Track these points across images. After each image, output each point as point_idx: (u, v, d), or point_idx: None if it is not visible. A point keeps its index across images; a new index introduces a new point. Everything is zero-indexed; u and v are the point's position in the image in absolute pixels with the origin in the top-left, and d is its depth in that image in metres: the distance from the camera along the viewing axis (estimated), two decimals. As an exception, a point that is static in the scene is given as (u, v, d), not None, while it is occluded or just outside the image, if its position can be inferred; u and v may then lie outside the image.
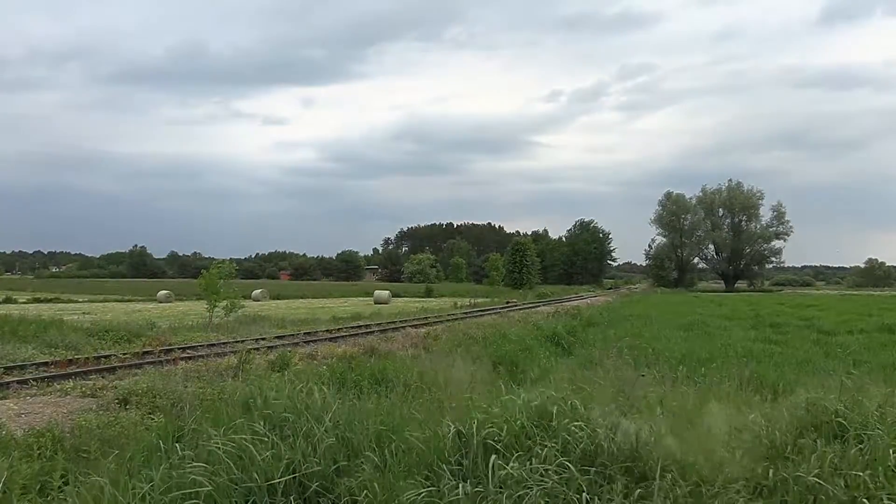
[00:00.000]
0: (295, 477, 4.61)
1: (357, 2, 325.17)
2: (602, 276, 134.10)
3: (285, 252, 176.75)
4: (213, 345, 17.64)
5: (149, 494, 4.35)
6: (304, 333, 21.42)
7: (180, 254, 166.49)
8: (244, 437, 4.89)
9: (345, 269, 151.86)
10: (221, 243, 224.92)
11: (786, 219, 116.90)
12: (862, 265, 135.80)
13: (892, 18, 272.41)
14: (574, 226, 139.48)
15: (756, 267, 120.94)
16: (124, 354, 15.18)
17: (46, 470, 5.69)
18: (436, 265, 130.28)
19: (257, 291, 60.01)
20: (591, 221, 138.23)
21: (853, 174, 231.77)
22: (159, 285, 74.28)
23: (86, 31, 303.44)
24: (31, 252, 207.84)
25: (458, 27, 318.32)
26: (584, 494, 4.17)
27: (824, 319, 27.92)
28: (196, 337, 19.69)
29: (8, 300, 47.51)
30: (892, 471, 4.55)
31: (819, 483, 4.32)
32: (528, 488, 4.20)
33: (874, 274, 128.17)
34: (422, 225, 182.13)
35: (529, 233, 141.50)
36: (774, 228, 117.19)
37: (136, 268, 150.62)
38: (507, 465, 4.43)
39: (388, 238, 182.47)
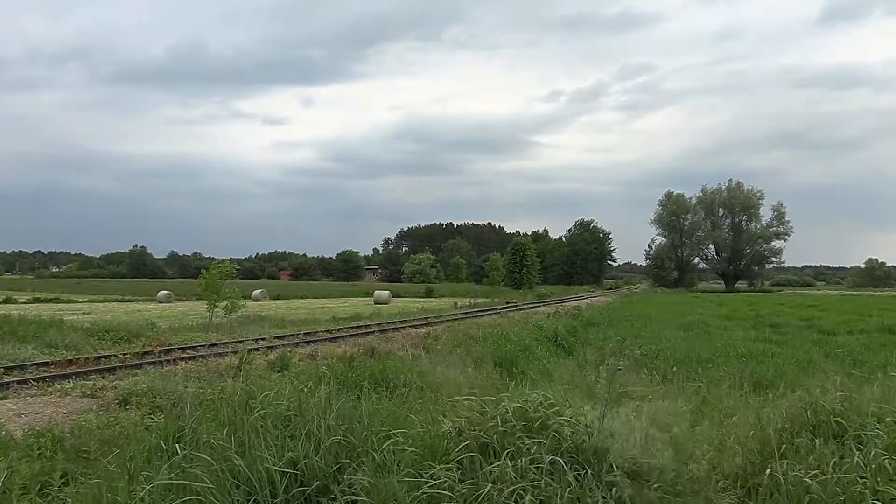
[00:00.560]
0: (296, 476, 4.62)
1: (357, 2, 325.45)
2: (602, 277, 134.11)
3: (285, 252, 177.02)
4: (213, 345, 17.65)
5: (148, 496, 4.36)
6: (304, 333, 21.43)
7: (180, 254, 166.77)
8: (246, 436, 4.90)
9: (345, 269, 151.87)
10: (221, 243, 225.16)
11: (786, 219, 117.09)
12: (862, 265, 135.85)
13: (891, 18, 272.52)
14: (574, 226, 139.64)
15: (756, 267, 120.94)
16: (124, 355, 15.19)
17: (46, 470, 5.70)
18: (436, 265, 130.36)
19: (257, 292, 60.01)
20: (591, 221, 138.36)
21: (853, 174, 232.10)
22: (159, 285, 74.35)
23: (85, 31, 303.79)
24: (31, 252, 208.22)
25: (458, 27, 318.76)
26: (567, 491, 4.20)
27: (824, 320, 27.93)
28: (196, 337, 19.71)
29: (8, 300, 47.51)
30: (890, 471, 4.55)
31: (815, 483, 4.33)
32: (522, 488, 4.23)
33: (874, 274, 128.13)
34: (422, 225, 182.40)
35: (529, 233, 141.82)
36: (774, 228, 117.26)
37: (136, 268, 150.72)
38: (502, 463, 4.46)
39: (388, 238, 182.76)
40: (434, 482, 4.40)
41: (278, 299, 60.68)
